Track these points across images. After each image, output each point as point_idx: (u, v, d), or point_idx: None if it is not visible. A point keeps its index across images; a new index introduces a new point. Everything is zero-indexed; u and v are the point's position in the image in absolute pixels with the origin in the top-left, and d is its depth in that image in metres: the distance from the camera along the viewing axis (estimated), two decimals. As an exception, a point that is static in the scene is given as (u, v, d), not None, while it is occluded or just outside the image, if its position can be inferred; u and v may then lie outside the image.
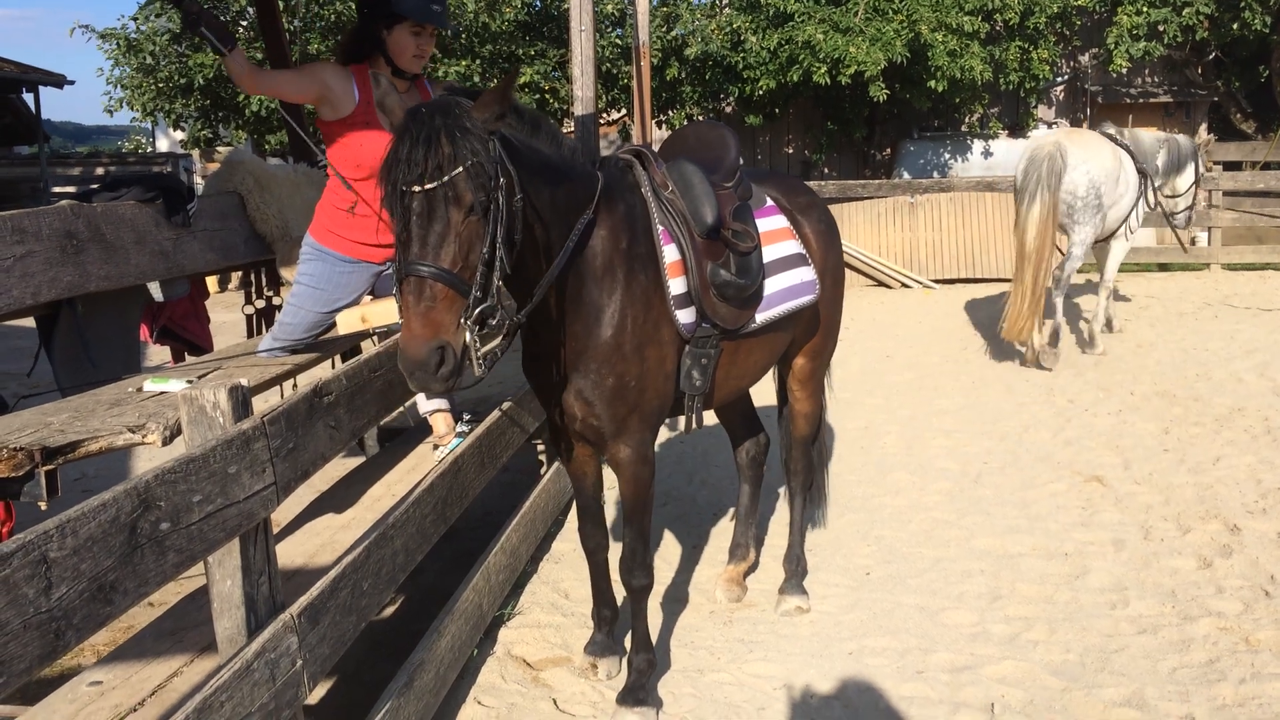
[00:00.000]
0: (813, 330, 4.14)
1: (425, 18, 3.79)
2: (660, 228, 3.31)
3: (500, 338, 2.79)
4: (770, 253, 3.69)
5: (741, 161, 3.78)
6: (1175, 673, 3.74)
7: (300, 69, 3.96)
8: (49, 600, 1.73)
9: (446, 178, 2.55)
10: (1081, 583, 4.49)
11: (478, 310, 2.62)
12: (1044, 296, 8.21)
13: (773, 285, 3.66)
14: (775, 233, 3.77)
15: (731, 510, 5.51)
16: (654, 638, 4.11)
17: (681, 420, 3.63)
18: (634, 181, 3.39)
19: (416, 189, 2.56)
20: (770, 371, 4.16)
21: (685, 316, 3.33)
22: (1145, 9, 16.05)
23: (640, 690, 3.56)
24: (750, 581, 4.60)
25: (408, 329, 2.57)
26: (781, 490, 5.77)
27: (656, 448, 6.39)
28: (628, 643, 4.03)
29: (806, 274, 3.84)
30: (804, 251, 3.87)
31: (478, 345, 2.65)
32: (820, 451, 4.64)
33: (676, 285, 3.29)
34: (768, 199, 3.89)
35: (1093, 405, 7.28)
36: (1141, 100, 17.75)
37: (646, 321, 3.22)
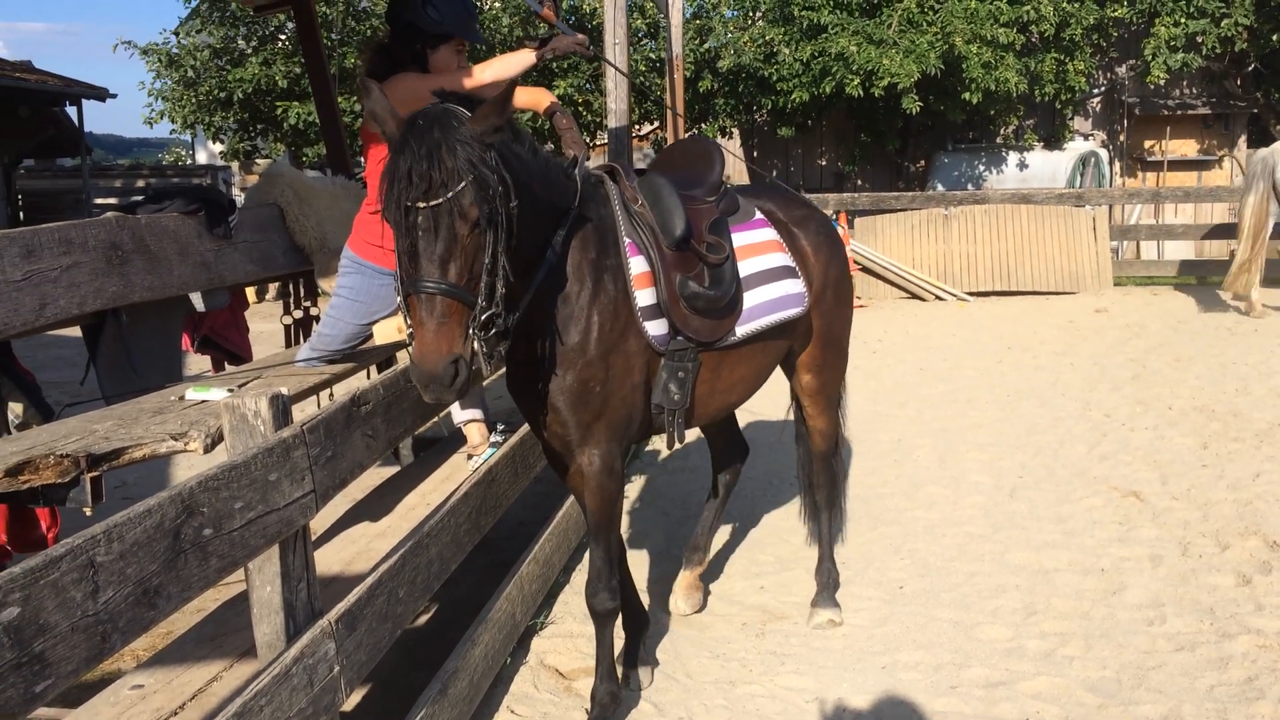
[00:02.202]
0: (812, 343, 4.11)
1: (472, 36, 3.88)
2: (628, 240, 3.33)
3: (503, 341, 2.83)
4: (753, 265, 3.67)
5: (728, 175, 3.80)
6: (1213, 690, 3.69)
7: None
8: (96, 604, 1.77)
9: (451, 193, 2.57)
10: (1118, 599, 4.45)
11: (484, 318, 2.67)
12: (1261, 264, 10.82)
13: (755, 298, 3.64)
14: (760, 245, 3.75)
15: (768, 520, 5.51)
16: (686, 648, 4.12)
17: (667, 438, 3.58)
18: (604, 195, 3.41)
19: (421, 204, 2.58)
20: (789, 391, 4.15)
21: (656, 329, 3.32)
22: (1183, 20, 15.89)
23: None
24: (783, 594, 4.60)
25: (422, 344, 2.60)
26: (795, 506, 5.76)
27: (691, 460, 6.42)
28: (659, 654, 4.05)
29: (794, 286, 3.80)
30: (793, 264, 3.84)
31: (484, 350, 2.70)
32: (838, 466, 4.60)
33: (644, 296, 3.30)
34: (758, 212, 3.88)
35: (1130, 420, 7.21)
36: (1179, 112, 17.58)
37: (613, 330, 3.22)
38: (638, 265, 3.32)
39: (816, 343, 4.12)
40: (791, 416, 4.59)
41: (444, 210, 2.58)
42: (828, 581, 4.40)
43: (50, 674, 1.66)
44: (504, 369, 3.37)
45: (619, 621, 3.97)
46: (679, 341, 3.38)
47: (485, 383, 4.34)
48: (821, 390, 4.25)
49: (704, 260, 3.48)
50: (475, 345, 2.66)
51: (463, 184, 2.57)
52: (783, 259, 3.82)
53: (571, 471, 3.56)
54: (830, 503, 4.46)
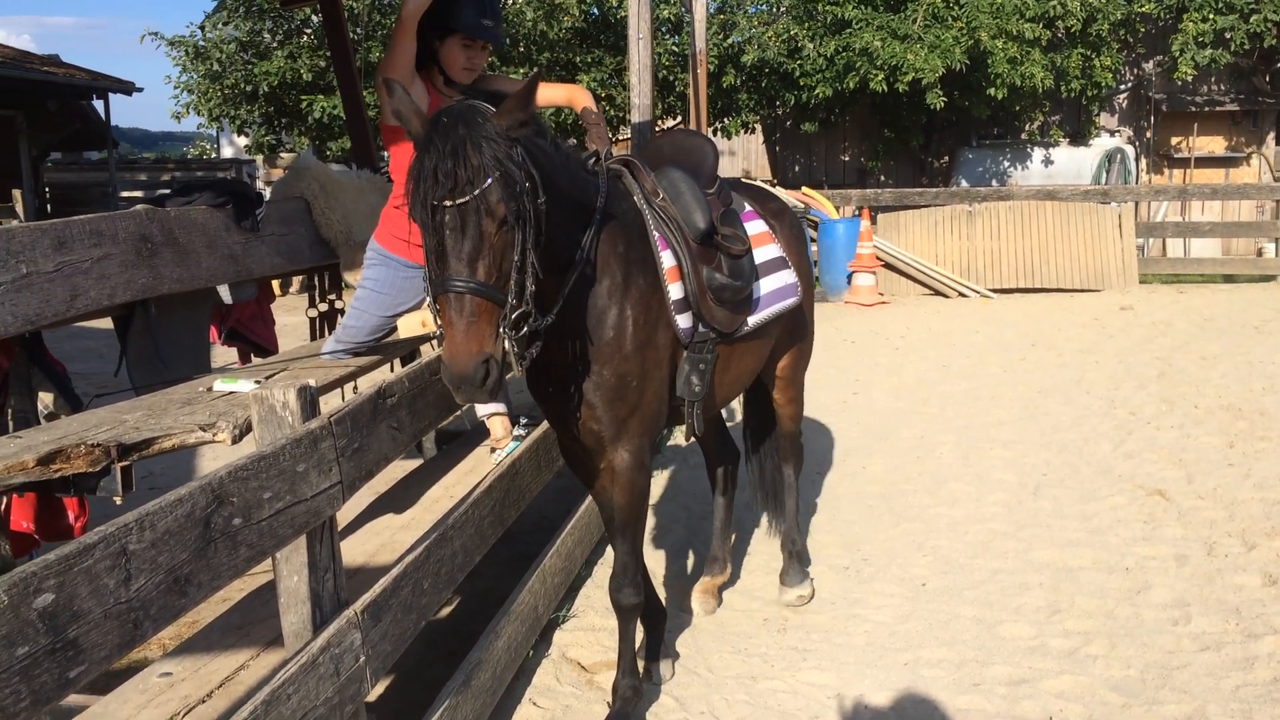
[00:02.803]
0: (793, 332, 4.22)
1: (475, 33, 3.79)
2: (656, 234, 3.34)
3: (536, 342, 2.81)
4: (758, 256, 3.74)
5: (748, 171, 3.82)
6: (1238, 691, 3.67)
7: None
8: (128, 591, 1.79)
9: (478, 191, 2.54)
10: (1143, 598, 4.42)
11: (515, 317, 2.64)
12: None
13: (762, 288, 3.72)
14: (757, 237, 3.81)
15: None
16: (707, 643, 4.13)
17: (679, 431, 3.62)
18: (625, 189, 3.41)
19: (448, 203, 2.54)
20: None
21: (683, 321, 3.34)
22: (1212, 16, 15.75)
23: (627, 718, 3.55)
24: (798, 601, 4.59)
25: (452, 344, 2.57)
26: (818, 501, 5.75)
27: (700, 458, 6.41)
28: (679, 647, 4.06)
29: (789, 277, 3.90)
30: (784, 255, 3.93)
31: (515, 350, 2.68)
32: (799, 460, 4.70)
33: (674, 290, 3.32)
34: (746, 205, 3.92)
35: (1155, 418, 7.16)
36: (1207, 109, 17.42)
37: (646, 324, 3.23)
38: (667, 259, 3.33)
39: (794, 331, 4.23)
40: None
41: (471, 208, 2.54)
42: (793, 558, 4.50)
43: (84, 660, 1.68)
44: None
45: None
46: (701, 333, 3.41)
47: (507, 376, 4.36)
48: (794, 377, 4.40)
49: (726, 252, 3.52)
50: (506, 344, 2.64)
51: (489, 181, 2.54)
52: (777, 250, 3.90)
53: (592, 470, 3.57)
54: (797, 474, 4.58)
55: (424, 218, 2.58)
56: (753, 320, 3.65)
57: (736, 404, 4.90)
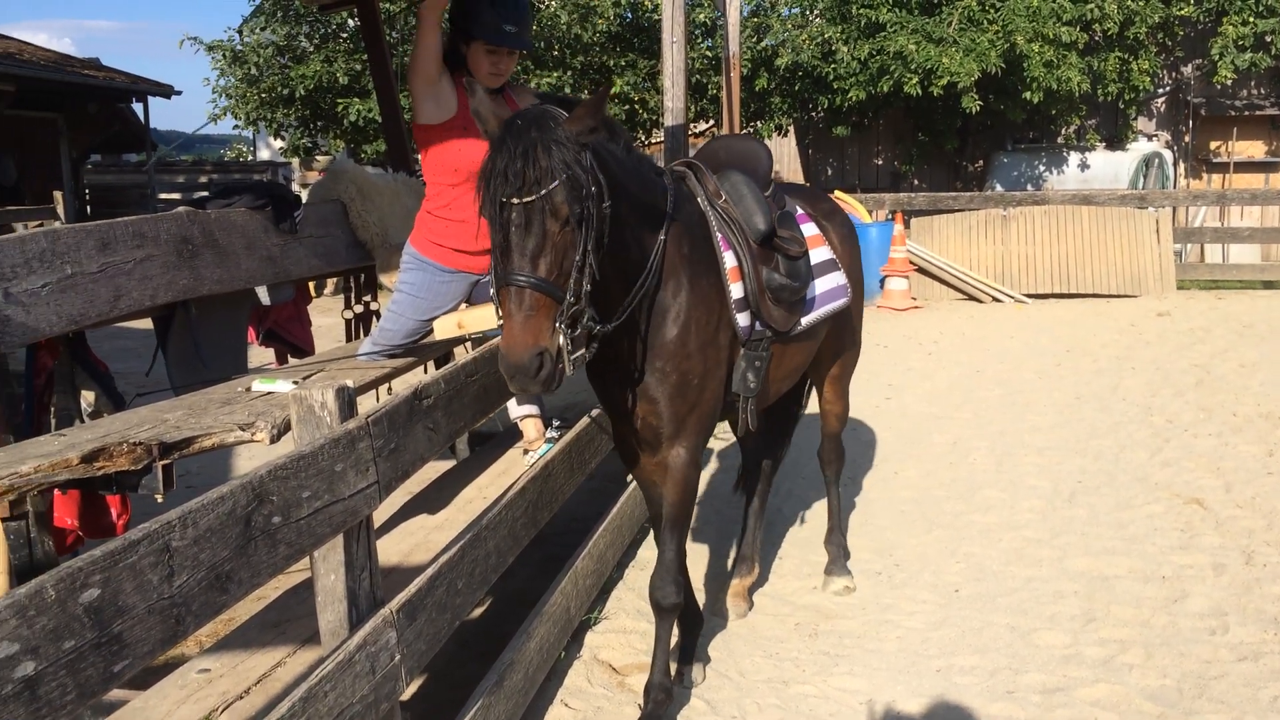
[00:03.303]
0: (841, 333, 4.33)
1: (497, 40, 3.77)
2: (719, 235, 3.45)
3: (587, 344, 2.94)
4: (812, 258, 3.84)
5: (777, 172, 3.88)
6: (1276, 702, 3.62)
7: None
8: (171, 587, 1.81)
9: (544, 190, 2.66)
10: (1179, 607, 4.37)
11: (570, 314, 2.75)
12: None
13: (815, 289, 3.83)
14: (810, 239, 3.91)
15: (817, 518, 5.49)
16: (739, 646, 4.12)
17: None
18: (689, 192, 3.52)
19: (515, 201, 2.67)
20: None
21: (742, 320, 3.45)
22: (1252, 19, 15.54)
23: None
24: (844, 596, 4.58)
25: (509, 335, 2.68)
26: (852, 504, 5.72)
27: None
28: (711, 651, 4.06)
29: (840, 278, 4.02)
30: (835, 258, 4.04)
31: (569, 348, 2.78)
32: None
33: (735, 289, 3.43)
34: (798, 208, 4.02)
35: (1192, 426, 7.08)
36: (1247, 113, 17.19)
37: (709, 324, 3.34)
38: (729, 260, 3.44)
39: (842, 332, 4.34)
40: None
41: (536, 207, 2.67)
42: (838, 552, 4.68)
43: (128, 654, 1.71)
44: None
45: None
46: (758, 332, 3.52)
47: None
48: (841, 377, 4.53)
49: (785, 254, 3.62)
50: (560, 340, 2.74)
51: (555, 182, 2.66)
52: (828, 253, 4.02)
53: (645, 464, 3.64)
54: (838, 478, 4.74)
55: (492, 214, 2.71)
56: (806, 320, 3.77)
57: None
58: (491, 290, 2.82)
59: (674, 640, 3.83)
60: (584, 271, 2.77)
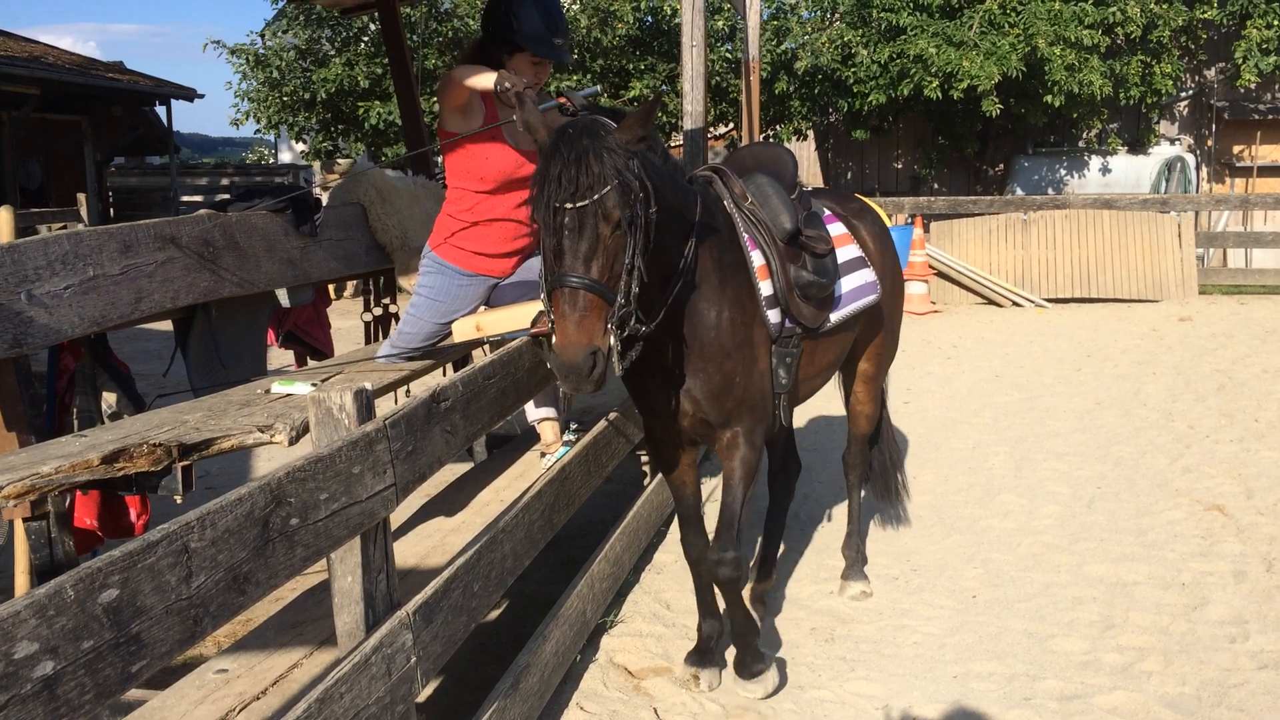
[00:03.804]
0: (875, 331, 4.38)
1: (546, 53, 3.82)
2: (746, 236, 3.55)
3: (637, 344, 3.04)
4: (839, 256, 3.91)
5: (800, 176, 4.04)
6: (1299, 712, 3.59)
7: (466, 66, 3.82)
8: (189, 588, 1.83)
9: (597, 195, 2.77)
10: (1199, 614, 4.34)
11: (620, 315, 2.85)
12: None
13: (843, 286, 3.90)
14: (838, 238, 3.99)
15: (837, 523, 5.48)
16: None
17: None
18: (717, 195, 3.62)
19: (568, 206, 2.77)
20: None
21: (773, 316, 3.55)
22: (1276, 22, 15.43)
23: (751, 661, 3.75)
24: (861, 601, 4.57)
25: (563, 335, 2.78)
26: (870, 509, 5.71)
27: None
28: (729, 655, 4.06)
29: (869, 275, 4.09)
30: (863, 255, 4.12)
31: (619, 348, 2.90)
32: (893, 454, 4.98)
33: (765, 288, 3.53)
34: (825, 209, 4.12)
35: (1214, 432, 7.03)
36: (1271, 116, 17.04)
37: (743, 323, 3.44)
38: (757, 259, 3.54)
39: (875, 329, 4.38)
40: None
41: (589, 212, 2.77)
42: (856, 556, 4.67)
43: (146, 654, 1.73)
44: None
45: (692, 623, 4.02)
46: (789, 328, 3.61)
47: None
48: (875, 376, 4.55)
49: (811, 252, 3.70)
50: (611, 340, 2.84)
51: (608, 188, 2.77)
52: (856, 250, 4.09)
53: (681, 463, 3.77)
54: (862, 481, 4.75)
55: (545, 218, 2.82)
56: (835, 316, 3.85)
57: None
58: (542, 294, 2.91)
59: (697, 638, 3.94)
60: (633, 274, 2.86)
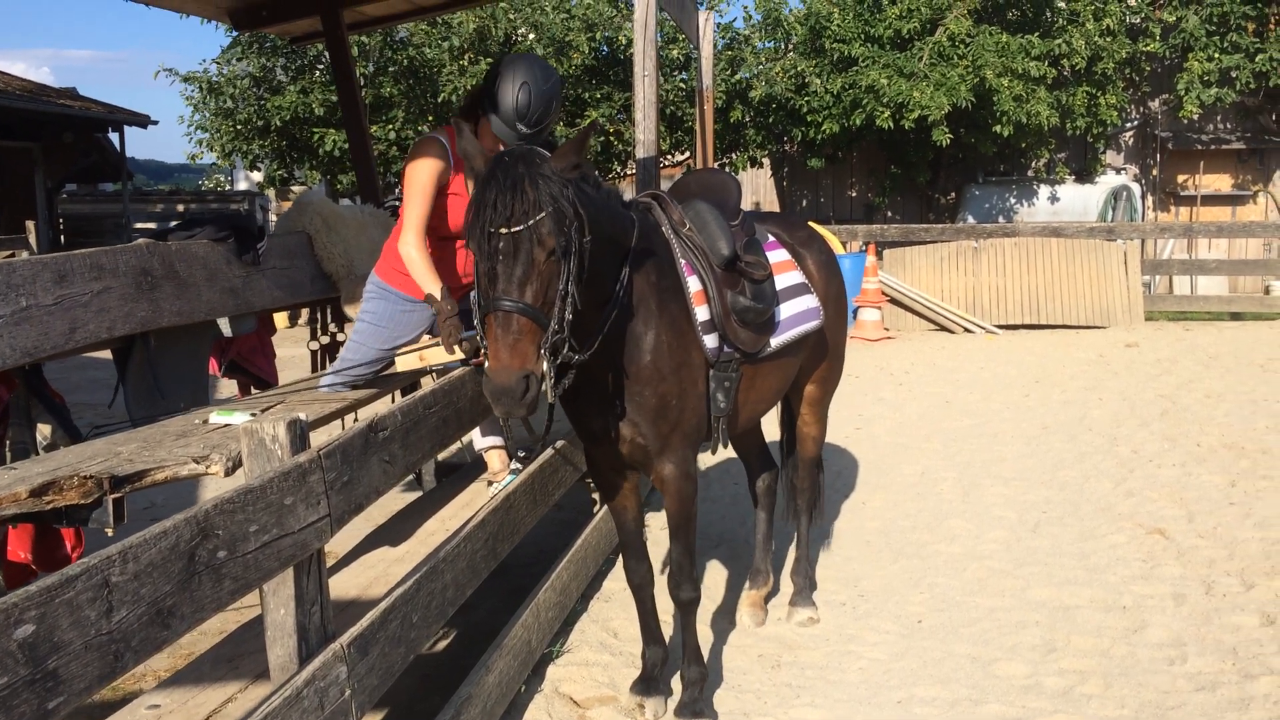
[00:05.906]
0: (820, 356, 4.43)
1: (502, 133, 3.78)
2: (683, 261, 3.58)
3: (571, 370, 3.07)
4: (779, 282, 3.96)
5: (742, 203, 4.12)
6: (1234, 732, 3.65)
7: (420, 189, 3.82)
8: (109, 622, 1.81)
9: (532, 221, 2.79)
10: (1139, 637, 4.40)
11: (553, 342, 2.87)
12: None
13: (784, 312, 3.94)
14: (779, 264, 4.04)
15: (783, 548, 5.50)
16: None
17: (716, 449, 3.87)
18: (655, 222, 3.65)
19: (503, 230, 2.80)
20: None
21: (710, 341, 3.58)
22: (1217, 55, 15.83)
23: (696, 704, 3.73)
24: (800, 625, 4.58)
25: (496, 359, 2.80)
26: (818, 536, 5.73)
27: (712, 490, 6.43)
28: (675, 684, 4.05)
29: (810, 301, 4.13)
30: (806, 281, 4.17)
31: (552, 375, 2.91)
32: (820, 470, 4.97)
33: (701, 313, 3.55)
34: (770, 235, 4.17)
35: (1157, 456, 7.15)
36: (1213, 147, 17.45)
37: (680, 346, 3.47)
38: (694, 284, 3.57)
39: (820, 355, 4.43)
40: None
41: (524, 237, 2.80)
42: (805, 583, 4.70)
43: (63, 691, 1.70)
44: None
45: (639, 651, 4.01)
46: (726, 353, 3.63)
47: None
48: (821, 400, 4.61)
49: (749, 277, 3.73)
50: (544, 366, 2.85)
51: (543, 214, 2.80)
52: (799, 276, 4.14)
53: (620, 488, 3.80)
54: (810, 507, 4.77)
55: (480, 243, 2.84)
56: (775, 341, 3.87)
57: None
58: (476, 320, 2.92)
59: (641, 667, 3.95)
60: (566, 301, 2.89)
